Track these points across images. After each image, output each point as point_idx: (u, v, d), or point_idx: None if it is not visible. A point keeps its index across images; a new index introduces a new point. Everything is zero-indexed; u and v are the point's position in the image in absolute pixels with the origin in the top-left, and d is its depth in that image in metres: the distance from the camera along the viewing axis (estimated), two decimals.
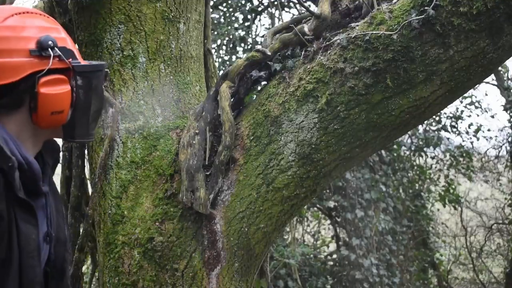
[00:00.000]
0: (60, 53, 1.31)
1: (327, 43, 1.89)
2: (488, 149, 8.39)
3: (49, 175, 1.43)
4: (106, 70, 1.96)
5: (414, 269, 6.47)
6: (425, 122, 6.71)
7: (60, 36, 1.36)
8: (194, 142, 1.98)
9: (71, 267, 2.34)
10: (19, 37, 1.28)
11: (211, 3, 4.32)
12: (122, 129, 2.09)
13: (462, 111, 7.55)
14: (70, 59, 1.34)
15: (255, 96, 2.23)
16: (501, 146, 7.95)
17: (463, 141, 7.62)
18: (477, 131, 7.64)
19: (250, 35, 5.90)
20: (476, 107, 7.68)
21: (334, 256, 6.04)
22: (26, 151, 1.30)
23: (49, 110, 1.30)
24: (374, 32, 1.77)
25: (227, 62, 5.79)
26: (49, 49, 1.29)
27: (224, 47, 6.10)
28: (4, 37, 1.26)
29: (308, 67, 1.91)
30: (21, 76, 1.26)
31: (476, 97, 7.94)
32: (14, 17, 1.30)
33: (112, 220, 2.05)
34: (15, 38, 1.28)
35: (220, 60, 5.97)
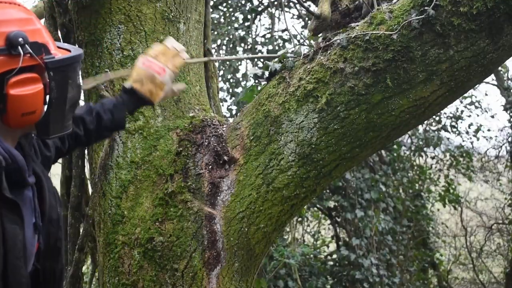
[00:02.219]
0: (30, 50, 1.20)
1: (327, 43, 1.89)
2: (488, 149, 8.39)
3: (33, 163, 1.38)
4: (106, 70, 1.96)
5: (414, 269, 6.48)
6: (425, 122, 6.71)
7: (33, 27, 1.25)
8: None
9: (71, 267, 2.34)
10: None
11: (211, 3, 4.32)
12: None
13: (462, 111, 7.56)
14: (43, 55, 1.24)
15: (255, 96, 2.23)
16: (501, 146, 7.96)
17: (463, 141, 7.62)
18: (477, 131, 7.65)
19: (250, 35, 5.90)
20: (476, 107, 7.68)
21: (334, 256, 6.04)
22: (7, 145, 1.25)
23: (19, 112, 1.22)
24: (374, 32, 1.77)
25: (227, 62, 5.79)
26: (19, 47, 1.18)
27: (224, 47, 6.10)
28: None
29: (308, 67, 1.91)
30: None
31: (476, 97, 7.94)
32: None
33: (112, 220, 2.05)
34: None
35: None
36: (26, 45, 1.20)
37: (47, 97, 1.26)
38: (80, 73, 1.36)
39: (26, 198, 1.32)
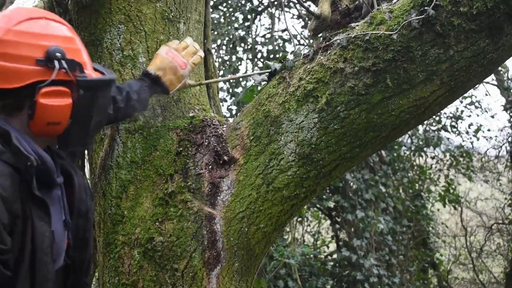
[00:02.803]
0: (65, 66, 1.31)
1: (327, 43, 1.89)
2: (488, 149, 8.40)
3: (62, 161, 1.47)
4: None
5: (414, 269, 6.48)
6: (425, 122, 6.72)
7: (74, 47, 1.38)
8: None
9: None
10: (29, 44, 1.29)
11: (211, 3, 4.32)
12: (122, 129, 2.09)
13: (462, 111, 7.57)
14: (77, 72, 1.34)
15: (255, 96, 2.23)
16: (501, 146, 7.97)
17: (463, 141, 7.64)
18: (477, 131, 7.66)
19: (250, 35, 5.91)
20: (476, 107, 7.69)
21: (334, 256, 6.04)
22: (37, 147, 1.35)
23: (45, 120, 1.32)
24: (374, 32, 1.76)
25: (227, 62, 5.79)
26: (56, 61, 1.30)
27: (224, 47, 6.11)
28: (15, 42, 1.28)
29: (308, 67, 1.91)
30: (24, 83, 1.28)
31: (476, 97, 7.96)
32: (29, 21, 1.31)
33: (112, 220, 2.05)
34: (25, 45, 1.29)
35: (220, 60, 5.98)
36: (63, 61, 1.31)
37: (74, 113, 1.36)
38: (109, 96, 1.48)
39: (55, 197, 1.41)
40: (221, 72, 5.69)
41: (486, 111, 7.88)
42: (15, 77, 1.27)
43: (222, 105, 5.66)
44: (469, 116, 7.62)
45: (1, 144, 1.27)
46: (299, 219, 6.12)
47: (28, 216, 1.27)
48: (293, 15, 6.57)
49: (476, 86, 6.34)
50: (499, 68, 6.97)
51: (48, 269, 1.32)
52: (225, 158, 2.00)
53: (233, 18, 6.10)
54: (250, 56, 5.88)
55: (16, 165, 1.26)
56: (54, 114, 1.32)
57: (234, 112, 5.58)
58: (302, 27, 6.74)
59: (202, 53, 2.01)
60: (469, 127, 7.65)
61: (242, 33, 5.79)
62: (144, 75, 1.92)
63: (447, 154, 7.67)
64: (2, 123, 1.31)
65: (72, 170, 1.49)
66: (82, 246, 1.49)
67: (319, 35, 2.20)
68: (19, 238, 1.25)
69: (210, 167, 2.01)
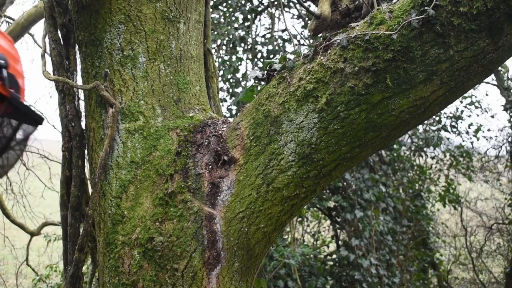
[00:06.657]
0: (6, 76, 1.19)
1: (327, 43, 1.89)
2: (488, 149, 8.41)
3: None
4: (106, 70, 1.94)
5: (414, 269, 6.48)
6: (425, 122, 6.72)
7: (16, 66, 1.25)
8: None
9: (71, 267, 2.34)
10: None
11: (211, 3, 4.32)
12: (122, 129, 2.09)
13: (462, 111, 7.58)
14: (13, 89, 1.21)
15: (255, 95, 2.23)
16: (501, 146, 7.98)
17: (463, 141, 7.64)
18: (477, 131, 7.67)
19: (250, 35, 5.90)
20: (476, 107, 7.70)
21: (334, 256, 6.04)
22: None
23: None
24: (374, 32, 1.76)
25: (227, 62, 5.79)
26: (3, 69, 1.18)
27: (224, 47, 6.11)
28: None
29: (308, 67, 1.91)
30: None
31: (476, 97, 7.97)
32: None
33: (112, 220, 2.05)
34: None
35: (220, 60, 5.97)
36: (4, 70, 1.20)
37: None
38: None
39: None
40: (221, 72, 5.69)
41: (486, 111, 7.90)
42: None
43: (222, 105, 5.66)
44: (469, 116, 7.63)
45: None
46: (299, 219, 6.12)
47: None
48: (293, 15, 6.57)
49: (476, 86, 6.34)
50: (499, 68, 6.97)
51: None
52: (225, 158, 2.00)
53: (233, 18, 6.10)
54: (250, 56, 5.88)
55: None
56: None
57: (234, 112, 5.58)
58: (302, 27, 6.74)
59: None
60: (469, 127, 7.66)
61: (242, 33, 5.79)
62: None
63: (447, 154, 7.68)
64: None
65: None
66: None
67: (319, 35, 2.20)
68: None
69: (210, 167, 2.01)
